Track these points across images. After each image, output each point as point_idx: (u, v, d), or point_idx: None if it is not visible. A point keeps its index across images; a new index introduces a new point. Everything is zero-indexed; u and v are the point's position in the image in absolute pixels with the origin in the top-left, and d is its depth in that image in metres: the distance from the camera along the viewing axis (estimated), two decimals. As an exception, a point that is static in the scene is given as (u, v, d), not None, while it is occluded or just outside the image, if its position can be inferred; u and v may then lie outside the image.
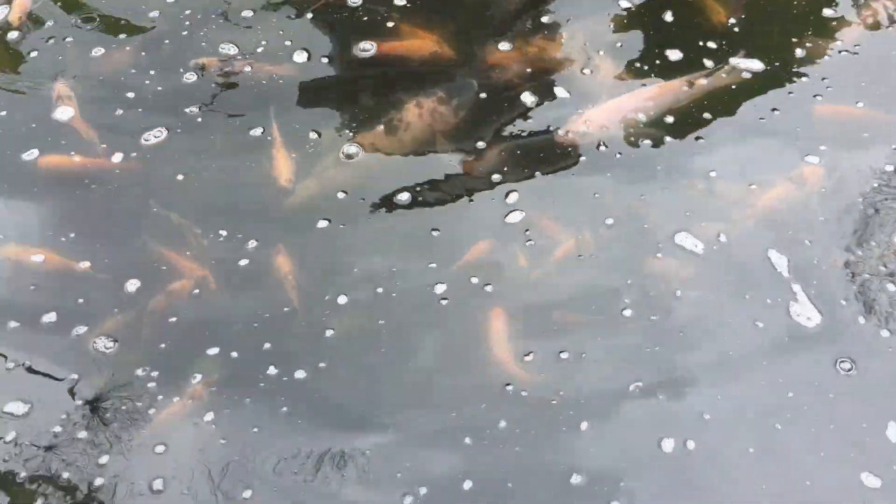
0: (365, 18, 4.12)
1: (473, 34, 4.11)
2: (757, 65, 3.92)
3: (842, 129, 3.75)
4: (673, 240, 3.38)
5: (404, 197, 3.53)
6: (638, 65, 3.96)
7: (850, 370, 3.08)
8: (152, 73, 3.94)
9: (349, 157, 3.63)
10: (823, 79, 3.88)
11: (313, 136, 3.71)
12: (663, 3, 4.18)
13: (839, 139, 3.70)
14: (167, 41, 4.06)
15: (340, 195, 3.53)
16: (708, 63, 3.90)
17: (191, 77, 3.90)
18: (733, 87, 3.85)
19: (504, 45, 4.01)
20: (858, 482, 2.88)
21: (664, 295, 3.27)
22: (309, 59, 3.97)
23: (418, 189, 3.57)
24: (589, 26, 4.13)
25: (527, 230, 3.43)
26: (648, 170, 3.61)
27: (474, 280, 3.29)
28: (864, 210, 3.48)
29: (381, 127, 3.73)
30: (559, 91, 3.87)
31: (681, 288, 3.28)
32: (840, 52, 3.99)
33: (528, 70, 3.93)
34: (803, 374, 3.10)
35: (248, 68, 3.91)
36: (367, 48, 3.99)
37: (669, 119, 3.75)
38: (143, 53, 4.03)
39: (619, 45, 4.06)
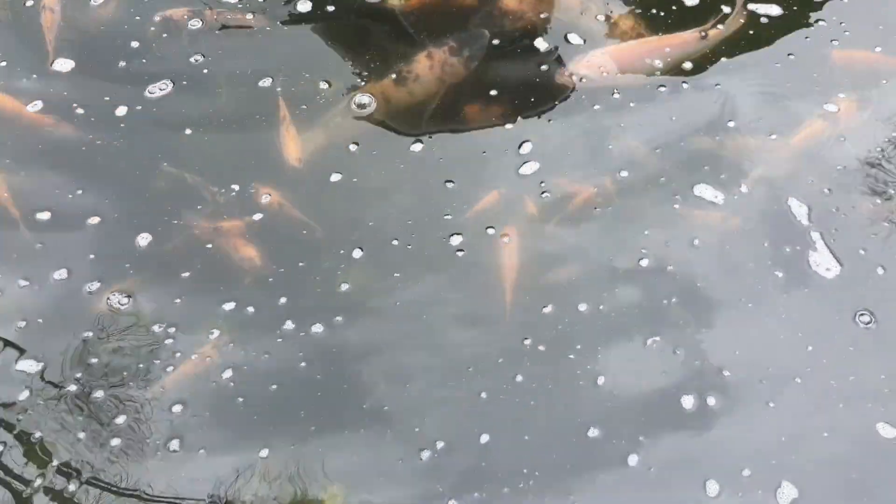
0: (372, -36, 3.96)
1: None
2: (775, 9, 3.79)
3: (857, 75, 3.63)
4: (692, 191, 3.28)
5: (417, 148, 3.43)
6: (654, 10, 3.80)
7: (868, 323, 3.01)
8: (157, 19, 3.79)
9: (361, 106, 3.53)
10: (841, 23, 3.77)
11: (323, 85, 3.59)
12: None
13: (856, 85, 3.59)
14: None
15: (352, 147, 3.44)
16: (725, 8, 3.77)
17: (196, 24, 3.75)
18: (751, 32, 3.71)
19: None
20: (875, 433, 2.83)
21: (682, 245, 3.18)
22: (313, 8, 3.81)
23: (431, 139, 3.46)
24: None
25: (542, 182, 3.33)
26: (664, 119, 3.49)
27: (490, 231, 3.21)
28: (883, 158, 3.40)
29: (392, 77, 3.59)
30: (573, 38, 3.73)
31: (699, 237, 3.19)
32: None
33: (542, 16, 3.79)
34: (822, 327, 3.03)
35: (230, 16, 3.78)
36: (374, -5, 3.85)
37: (687, 65, 3.61)
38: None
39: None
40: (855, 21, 3.76)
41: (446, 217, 3.26)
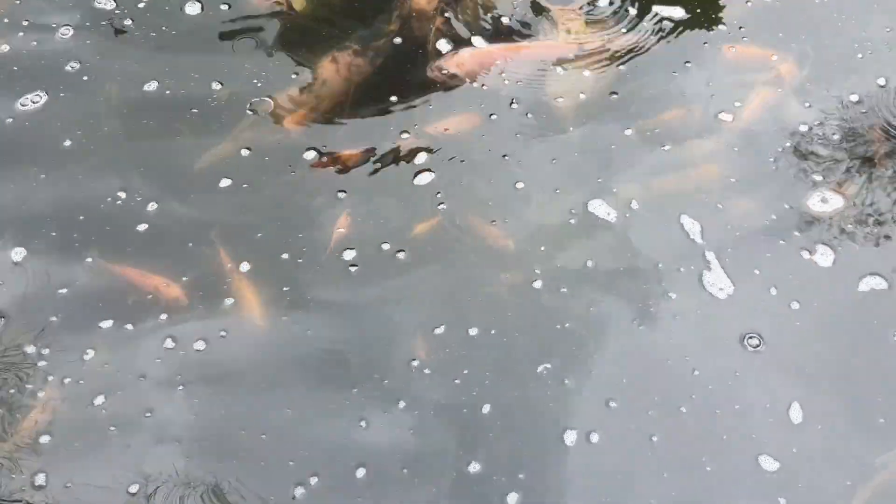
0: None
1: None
2: (678, 12, 3.49)
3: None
4: (586, 207, 3.02)
5: (309, 156, 3.11)
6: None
7: (757, 346, 2.78)
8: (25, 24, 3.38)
9: (253, 111, 3.20)
10: (741, 27, 3.48)
11: (216, 86, 3.26)
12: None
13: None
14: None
15: (244, 152, 3.12)
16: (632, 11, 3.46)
17: (66, 33, 3.33)
18: (653, 36, 3.43)
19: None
20: (756, 465, 2.61)
21: (577, 266, 2.92)
22: (203, 9, 3.43)
23: (325, 147, 3.14)
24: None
25: (437, 193, 3.05)
26: (561, 130, 3.20)
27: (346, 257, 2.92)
28: (776, 172, 3.14)
29: (298, 82, 3.28)
30: (477, 41, 3.42)
31: (593, 258, 2.93)
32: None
33: (447, 15, 3.46)
34: (711, 351, 2.78)
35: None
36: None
37: (586, 73, 3.31)
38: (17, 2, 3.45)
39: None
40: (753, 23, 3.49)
41: (339, 230, 2.98)
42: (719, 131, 3.19)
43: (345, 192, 3.03)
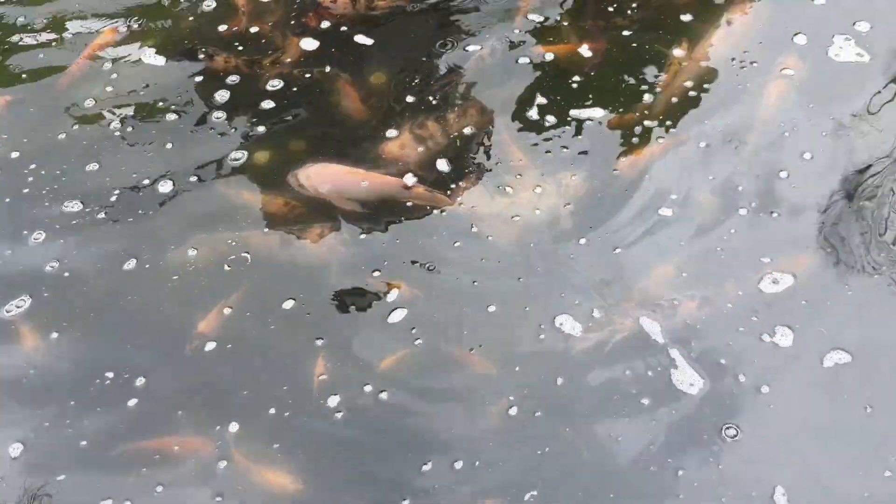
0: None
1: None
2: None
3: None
4: (553, 322, 2.99)
5: (288, 305, 3.13)
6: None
7: (735, 436, 2.74)
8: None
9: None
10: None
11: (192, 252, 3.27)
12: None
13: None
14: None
15: (227, 311, 3.11)
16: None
17: (39, 237, 3.29)
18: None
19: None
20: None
21: (549, 384, 2.87)
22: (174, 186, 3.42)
23: (302, 296, 3.13)
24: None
25: (412, 328, 3.02)
26: (524, 246, 3.20)
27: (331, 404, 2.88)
28: (720, 255, 3.14)
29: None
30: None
31: (563, 374, 2.87)
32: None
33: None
34: (691, 447, 2.73)
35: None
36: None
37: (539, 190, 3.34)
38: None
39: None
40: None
41: (321, 377, 2.93)
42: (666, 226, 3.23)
43: (322, 338, 3.02)
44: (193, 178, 3.44)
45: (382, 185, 3.36)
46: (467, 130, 3.53)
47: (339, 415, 2.84)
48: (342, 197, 3.37)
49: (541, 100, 3.56)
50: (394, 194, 3.35)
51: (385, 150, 3.45)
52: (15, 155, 3.49)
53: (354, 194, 3.35)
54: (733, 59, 3.67)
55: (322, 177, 3.40)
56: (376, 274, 3.15)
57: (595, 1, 3.88)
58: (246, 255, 3.21)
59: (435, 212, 3.30)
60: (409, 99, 3.63)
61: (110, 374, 2.96)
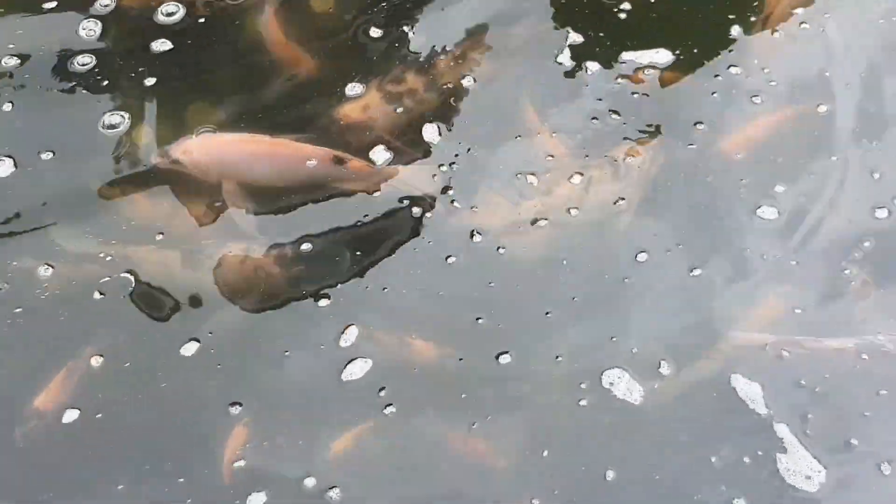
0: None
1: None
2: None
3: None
4: (600, 383, 2.01)
5: (191, 348, 2.10)
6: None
7: None
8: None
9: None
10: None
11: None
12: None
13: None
14: None
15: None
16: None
17: None
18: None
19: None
20: None
21: (595, 478, 1.94)
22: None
23: (210, 335, 2.14)
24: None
25: (381, 389, 2.03)
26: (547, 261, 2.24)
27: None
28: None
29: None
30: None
31: (623, 458, 1.95)
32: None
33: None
34: None
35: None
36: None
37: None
38: None
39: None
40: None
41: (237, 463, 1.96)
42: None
43: (240, 403, 2.02)
44: (46, 157, 2.42)
45: (297, 161, 2.38)
46: (467, 84, 2.51)
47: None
48: (243, 181, 2.36)
49: (574, 38, 2.58)
50: (322, 175, 2.35)
51: (342, 115, 2.45)
52: None
53: (263, 176, 2.39)
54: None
55: (207, 150, 2.44)
56: (323, 304, 2.16)
57: None
58: (127, 275, 2.20)
59: (413, 209, 2.30)
60: (376, 34, 2.60)
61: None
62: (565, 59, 2.57)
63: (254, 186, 2.39)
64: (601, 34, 2.61)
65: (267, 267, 2.23)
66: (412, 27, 2.68)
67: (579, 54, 2.58)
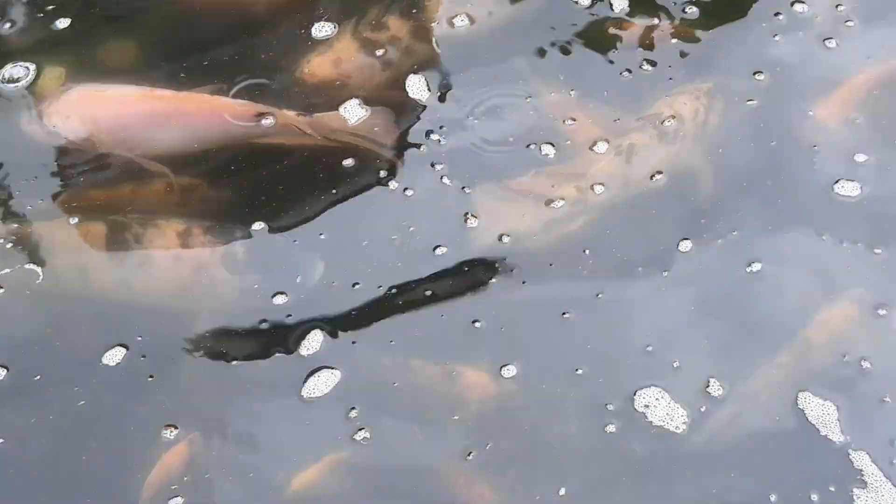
0: None
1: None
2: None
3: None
4: (632, 404, 1.60)
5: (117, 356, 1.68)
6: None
7: None
8: None
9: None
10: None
11: None
12: None
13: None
14: None
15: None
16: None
17: None
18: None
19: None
20: None
21: None
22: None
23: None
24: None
25: (351, 409, 1.62)
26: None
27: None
28: None
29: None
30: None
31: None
32: None
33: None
34: None
35: None
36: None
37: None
38: None
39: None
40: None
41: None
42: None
43: (174, 424, 1.62)
44: None
45: (211, 119, 1.89)
46: (460, 25, 2.05)
47: None
48: (139, 147, 1.84)
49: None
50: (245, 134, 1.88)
51: (308, 70, 1.98)
52: None
53: (159, 140, 1.88)
54: None
55: (86, 106, 1.90)
56: (279, 301, 1.72)
57: None
58: (34, 267, 1.77)
59: (391, 183, 1.86)
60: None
61: None
62: (585, -3, 2.14)
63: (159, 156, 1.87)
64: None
65: (205, 259, 1.81)
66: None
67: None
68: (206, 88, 1.92)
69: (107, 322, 1.80)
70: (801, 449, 1.69)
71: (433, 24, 2.13)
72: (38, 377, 1.73)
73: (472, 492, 1.58)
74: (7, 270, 1.81)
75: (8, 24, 2.12)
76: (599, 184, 1.83)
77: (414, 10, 2.16)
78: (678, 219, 1.84)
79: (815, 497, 1.63)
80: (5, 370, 1.73)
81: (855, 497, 1.64)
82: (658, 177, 1.87)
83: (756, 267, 1.78)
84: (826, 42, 2.12)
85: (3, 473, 1.65)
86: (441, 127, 1.98)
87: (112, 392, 1.71)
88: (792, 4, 2.13)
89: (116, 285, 1.79)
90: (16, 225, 1.86)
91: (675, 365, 1.69)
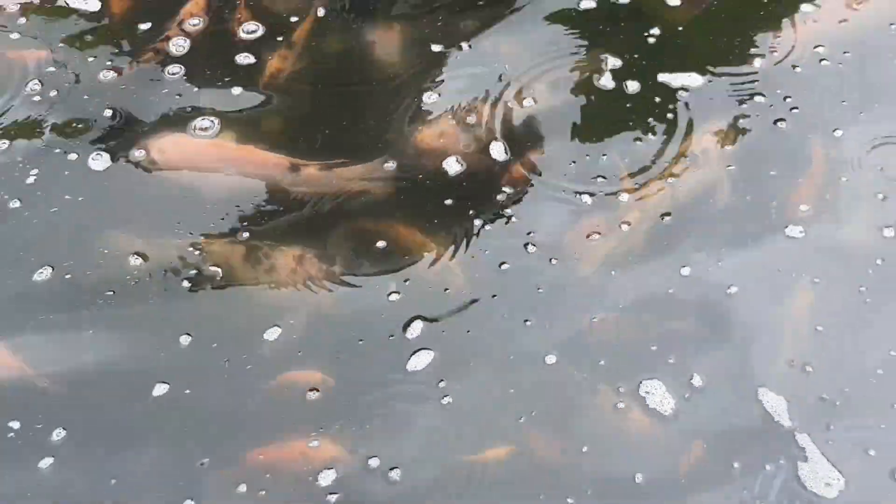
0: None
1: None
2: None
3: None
4: (638, 390, 2.18)
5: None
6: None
7: None
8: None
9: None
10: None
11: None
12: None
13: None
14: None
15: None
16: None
17: None
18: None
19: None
20: None
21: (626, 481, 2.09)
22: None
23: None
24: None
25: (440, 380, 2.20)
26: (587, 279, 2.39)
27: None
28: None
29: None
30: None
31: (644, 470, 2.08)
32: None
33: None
34: None
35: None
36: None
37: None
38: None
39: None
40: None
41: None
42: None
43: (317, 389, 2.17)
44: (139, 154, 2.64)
45: (252, 165, 2.58)
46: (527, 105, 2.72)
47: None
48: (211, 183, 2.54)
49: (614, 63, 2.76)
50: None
51: (420, 138, 2.66)
52: None
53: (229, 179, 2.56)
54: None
55: (177, 147, 2.61)
56: (393, 298, 2.31)
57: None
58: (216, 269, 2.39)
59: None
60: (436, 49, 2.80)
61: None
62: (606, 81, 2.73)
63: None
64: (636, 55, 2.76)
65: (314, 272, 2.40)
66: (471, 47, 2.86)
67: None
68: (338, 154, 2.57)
69: (265, 308, 2.38)
70: (756, 432, 2.17)
71: (509, 105, 2.75)
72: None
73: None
74: (194, 272, 2.41)
75: (196, 88, 2.78)
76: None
77: (495, 96, 2.76)
78: (673, 246, 2.38)
79: (769, 467, 2.11)
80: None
81: (799, 469, 2.11)
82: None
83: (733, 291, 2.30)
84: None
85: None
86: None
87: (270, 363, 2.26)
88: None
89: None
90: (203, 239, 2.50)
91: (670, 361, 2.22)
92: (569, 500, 2.05)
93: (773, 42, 2.83)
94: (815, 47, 2.80)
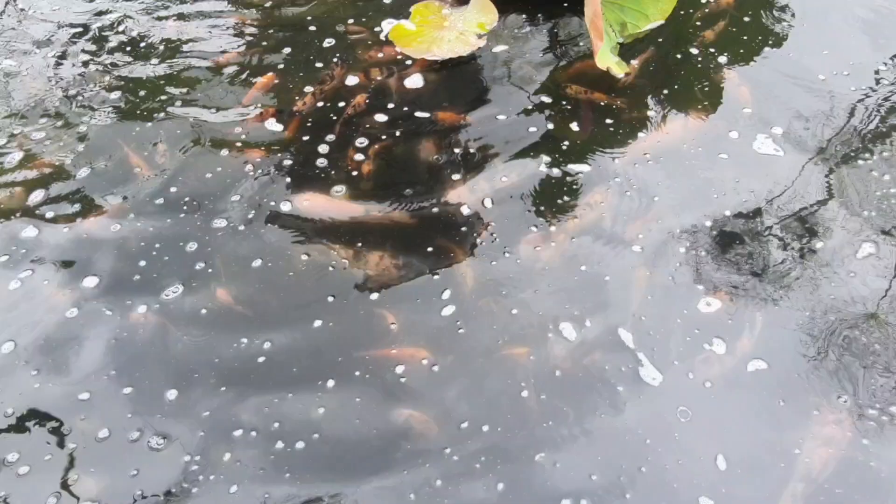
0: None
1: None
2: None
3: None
4: (558, 328, 3.48)
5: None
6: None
7: (688, 418, 3.27)
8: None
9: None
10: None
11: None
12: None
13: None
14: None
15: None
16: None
17: None
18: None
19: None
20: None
21: (547, 374, 3.33)
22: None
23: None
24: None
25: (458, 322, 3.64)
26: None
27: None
28: (673, 282, 3.63)
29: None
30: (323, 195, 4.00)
31: (560, 367, 3.37)
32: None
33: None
34: (657, 426, 3.28)
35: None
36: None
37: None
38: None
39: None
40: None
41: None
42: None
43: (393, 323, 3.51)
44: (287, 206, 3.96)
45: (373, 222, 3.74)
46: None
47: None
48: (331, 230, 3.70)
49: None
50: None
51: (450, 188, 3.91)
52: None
53: (337, 222, 3.73)
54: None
55: (309, 200, 3.78)
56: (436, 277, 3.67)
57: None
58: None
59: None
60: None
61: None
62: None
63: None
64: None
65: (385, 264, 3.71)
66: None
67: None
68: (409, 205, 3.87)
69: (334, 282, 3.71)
70: (618, 353, 3.41)
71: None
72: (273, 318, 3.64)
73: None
74: (332, 268, 3.68)
75: (325, 161, 4.09)
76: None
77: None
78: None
79: (623, 369, 3.34)
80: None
81: (638, 370, 3.32)
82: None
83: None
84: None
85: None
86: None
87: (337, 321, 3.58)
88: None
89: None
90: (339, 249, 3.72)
91: (574, 313, 3.77)
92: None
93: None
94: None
